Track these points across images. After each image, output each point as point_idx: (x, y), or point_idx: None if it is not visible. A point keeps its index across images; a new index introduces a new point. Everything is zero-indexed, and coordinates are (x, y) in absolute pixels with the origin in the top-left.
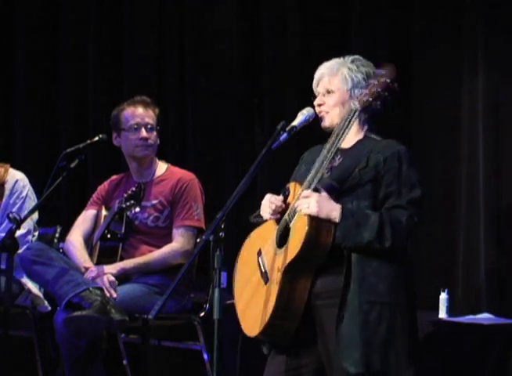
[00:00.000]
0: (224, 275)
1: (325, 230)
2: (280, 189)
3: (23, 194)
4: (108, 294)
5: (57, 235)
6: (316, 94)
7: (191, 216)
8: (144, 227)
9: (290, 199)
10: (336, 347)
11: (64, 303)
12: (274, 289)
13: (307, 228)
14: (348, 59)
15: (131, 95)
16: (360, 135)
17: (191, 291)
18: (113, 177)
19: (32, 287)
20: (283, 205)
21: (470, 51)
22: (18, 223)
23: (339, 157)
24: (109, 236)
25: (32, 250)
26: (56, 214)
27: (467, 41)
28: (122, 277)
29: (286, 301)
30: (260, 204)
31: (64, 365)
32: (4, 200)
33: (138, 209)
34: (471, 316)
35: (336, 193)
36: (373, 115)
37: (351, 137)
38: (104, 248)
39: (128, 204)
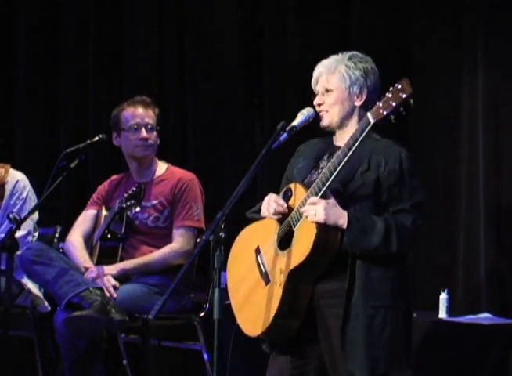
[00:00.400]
0: (224, 275)
1: (332, 237)
2: (280, 189)
3: (24, 195)
4: (108, 294)
5: (57, 235)
6: (316, 92)
7: (191, 216)
8: (144, 227)
9: (292, 201)
10: (341, 350)
11: (64, 303)
12: (277, 291)
13: (315, 236)
14: (346, 55)
15: (131, 95)
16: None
17: (191, 291)
18: (113, 177)
19: (32, 287)
20: (287, 211)
21: (470, 51)
22: (18, 223)
23: None
24: (109, 236)
25: (32, 250)
26: (56, 214)
27: (467, 41)
28: (122, 277)
29: (289, 304)
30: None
31: (64, 365)
32: (4, 200)
33: (138, 209)
34: (471, 316)
35: (340, 197)
36: None
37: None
38: (104, 248)
39: (128, 203)
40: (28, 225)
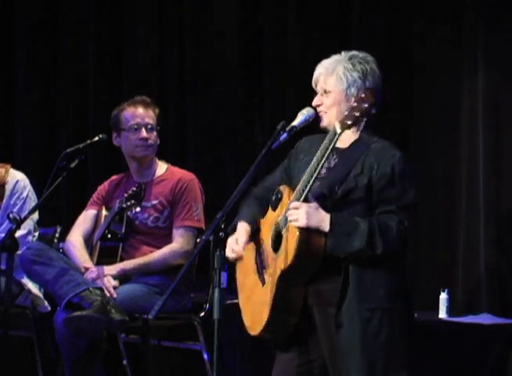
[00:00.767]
0: (224, 275)
1: (316, 241)
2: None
3: (24, 195)
4: (108, 295)
5: (57, 235)
6: (317, 92)
7: (191, 217)
8: (144, 227)
9: (282, 203)
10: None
11: (64, 303)
12: (271, 292)
13: (297, 240)
14: (346, 56)
15: (131, 95)
16: (356, 135)
17: (191, 291)
18: (113, 177)
19: (32, 287)
20: (242, 254)
21: (470, 51)
22: (18, 223)
23: (334, 157)
24: (109, 236)
25: (32, 250)
26: (56, 214)
27: (467, 41)
28: (122, 278)
29: (282, 305)
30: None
31: (64, 365)
32: (4, 200)
33: (138, 209)
34: (471, 316)
35: (331, 200)
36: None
37: (347, 137)
38: (104, 248)
39: (128, 203)
40: (28, 225)
